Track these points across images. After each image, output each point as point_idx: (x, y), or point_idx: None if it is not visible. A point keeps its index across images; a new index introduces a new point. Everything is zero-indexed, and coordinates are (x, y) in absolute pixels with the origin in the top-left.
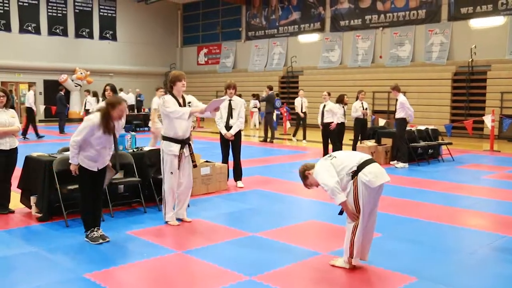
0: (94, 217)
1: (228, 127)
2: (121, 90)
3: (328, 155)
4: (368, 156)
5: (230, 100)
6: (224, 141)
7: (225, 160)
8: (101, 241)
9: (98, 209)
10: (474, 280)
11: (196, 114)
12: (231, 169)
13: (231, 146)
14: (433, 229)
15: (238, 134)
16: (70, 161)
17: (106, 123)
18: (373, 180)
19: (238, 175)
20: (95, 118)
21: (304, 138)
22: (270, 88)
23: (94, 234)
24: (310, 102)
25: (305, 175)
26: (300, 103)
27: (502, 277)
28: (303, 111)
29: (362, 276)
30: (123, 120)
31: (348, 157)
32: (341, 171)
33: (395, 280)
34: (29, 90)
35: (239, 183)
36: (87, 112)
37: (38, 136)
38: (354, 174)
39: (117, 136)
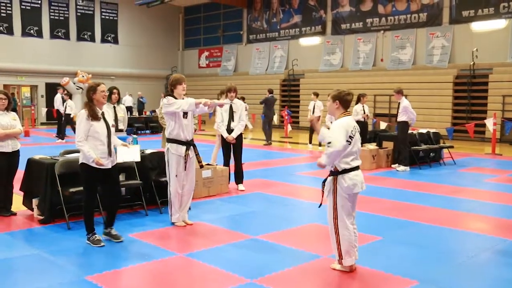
0: (110, 216)
1: (229, 130)
2: None
3: (350, 135)
4: (358, 163)
5: (231, 103)
6: (225, 144)
7: (226, 163)
8: (102, 244)
9: (114, 208)
10: (475, 284)
11: (200, 106)
12: (232, 172)
13: (232, 149)
14: (434, 233)
15: (239, 137)
16: (90, 161)
17: (90, 109)
18: (351, 188)
19: (239, 178)
20: (83, 110)
21: (310, 141)
22: (270, 91)
23: (95, 237)
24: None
25: (334, 99)
26: (313, 107)
27: (504, 281)
28: (318, 115)
29: (362, 279)
30: (125, 117)
31: (349, 153)
32: (346, 153)
33: (396, 284)
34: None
35: (240, 186)
36: (68, 116)
37: (58, 136)
38: (335, 172)
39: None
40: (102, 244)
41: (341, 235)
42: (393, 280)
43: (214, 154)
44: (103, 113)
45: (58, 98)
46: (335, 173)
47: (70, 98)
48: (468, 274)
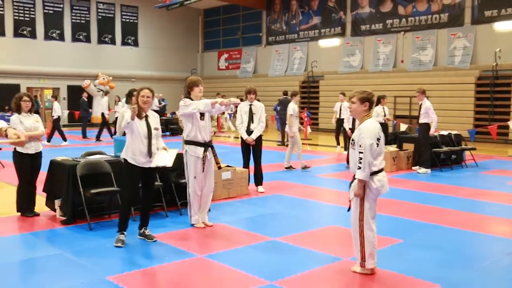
0: (144, 216)
1: (249, 132)
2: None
3: (378, 137)
4: (384, 164)
5: (250, 105)
6: (245, 146)
7: (246, 165)
8: (120, 244)
9: (147, 209)
10: None
11: (216, 106)
12: (251, 174)
13: (252, 150)
14: (456, 236)
15: (259, 139)
16: (129, 121)
17: (133, 109)
18: (380, 189)
19: (258, 180)
20: (125, 108)
21: (338, 143)
22: (284, 93)
23: (121, 236)
24: (330, 107)
25: (363, 101)
26: (339, 108)
27: None
28: (342, 117)
29: (383, 282)
30: (157, 119)
31: (377, 154)
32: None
33: (417, 287)
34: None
35: (260, 188)
36: (55, 121)
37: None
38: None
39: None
40: (120, 245)
41: (365, 237)
42: (414, 283)
43: (288, 155)
44: (147, 116)
45: (104, 101)
46: None
47: (56, 99)
48: (491, 278)
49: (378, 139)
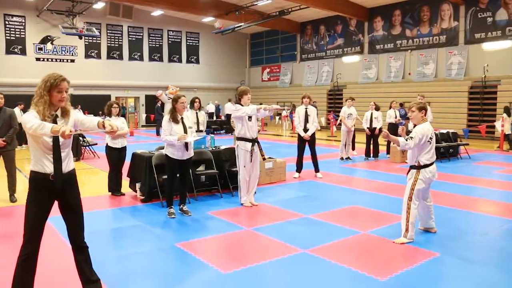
0: (181, 196)
1: (305, 130)
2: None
3: (430, 137)
4: (434, 158)
5: (306, 108)
6: (301, 141)
7: (300, 156)
8: (174, 216)
9: (184, 190)
10: (485, 256)
11: (261, 111)
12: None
13: (308, 144)
14: (453, 214)
15: (312, 135)
16: (176, 142)
17: (171, 114)
18: (432, 178)
19: (316, 167)
20: (167, 115)
21: (353, 148)
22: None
23: (171, 210)
24: None
25: (421, 109)
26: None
27: (508, 254)
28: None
29: (394, 251)
30: (205, 120)
31: (429, 151)
32: (427, 151)
33: (422, 255)
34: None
35: (319, 174)
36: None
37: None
38: (418, 167)
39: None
40: (174, 216)
41: (411, 214)
42: (419, 252)
43: (342, 146)
44: (182, 118)
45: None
46: (418, 167)
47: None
48: (480, 248)
49: (431, 138)
